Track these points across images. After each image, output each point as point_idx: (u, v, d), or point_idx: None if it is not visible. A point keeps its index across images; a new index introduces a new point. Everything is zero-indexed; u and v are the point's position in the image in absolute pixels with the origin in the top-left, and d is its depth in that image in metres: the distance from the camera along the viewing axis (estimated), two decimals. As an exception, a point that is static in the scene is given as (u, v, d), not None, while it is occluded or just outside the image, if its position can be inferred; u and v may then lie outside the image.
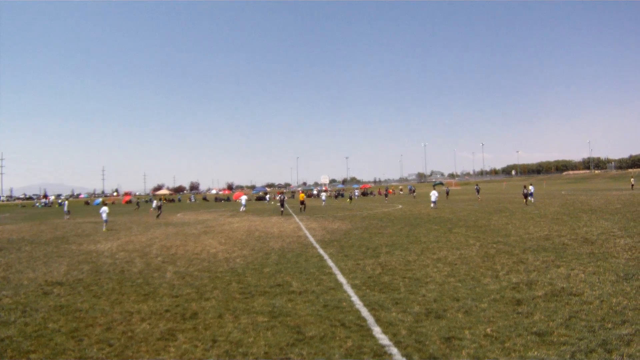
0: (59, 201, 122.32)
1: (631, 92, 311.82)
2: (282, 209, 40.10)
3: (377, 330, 6.86)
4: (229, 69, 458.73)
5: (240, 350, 6.25)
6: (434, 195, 39.30)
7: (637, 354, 5.65)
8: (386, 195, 71.41)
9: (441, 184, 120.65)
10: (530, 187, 41.03)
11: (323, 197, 60.89)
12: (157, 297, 9.49)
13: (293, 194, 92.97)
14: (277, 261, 13.60)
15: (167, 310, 8.40)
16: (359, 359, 5.89)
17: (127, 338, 6.87)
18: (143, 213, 50.61)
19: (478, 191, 57.49)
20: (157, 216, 40.71)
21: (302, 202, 44.51)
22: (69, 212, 45.90)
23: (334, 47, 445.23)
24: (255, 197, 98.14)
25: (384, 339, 6.48)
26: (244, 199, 50.14)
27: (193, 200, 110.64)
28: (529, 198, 39.68)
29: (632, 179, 74.45)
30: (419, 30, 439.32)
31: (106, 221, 28.45)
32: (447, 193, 67.89)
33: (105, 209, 29.03)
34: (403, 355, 5.92)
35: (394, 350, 6.07)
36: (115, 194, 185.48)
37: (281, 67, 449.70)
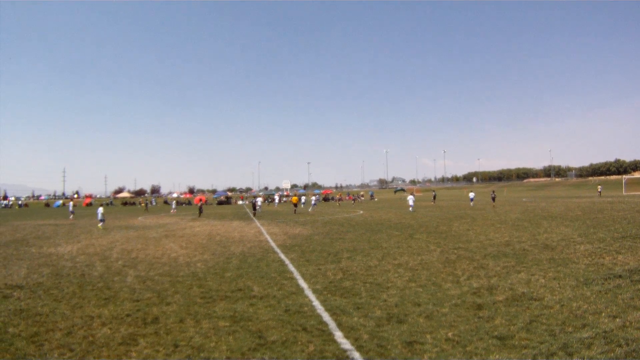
0: (19, 202, 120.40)
1: (592, 101, 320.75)
2: (254, 212, 42.84)
3: (338, 335, 6.93)
4: (190, 73, 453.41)
5: (202, 355, 6.30)
6: (411, 199, 42.12)
7: (598, 356, 5.85)
8: (354, 200, 75.55)
9: (402, 190, 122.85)
10: (471, 194, 52.27)
11: (313, 202, 55.27)
12: (118, 301, 9.46)
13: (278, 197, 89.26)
14: (238, 266, 13.63)
15: (128, 315, 8.40)
16: (320, 363, 6.02)
17: (88, 343, 6.86)
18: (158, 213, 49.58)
19: (434, 197, 61.74)
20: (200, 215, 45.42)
21: (295, 205, 47.58)
22: (73, 212, 47.16)
23: (295, 53, 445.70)
24: (216, 202, 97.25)
25: (345, 344, 6.55)
26: (259, 200, 56.72)
27: (154, 203, 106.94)
28: (471, 203, 49.22)
29: (599, 187, 78.60)
30: (380, 36, 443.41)
31: (102, 220, 31.22)
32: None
33: (101, 209, 32.06)
34: (365, 360, 6.05)
35: (356, 355, 6.15)
36: (75, 196, 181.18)
37: (242, 72, 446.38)
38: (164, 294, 10.11)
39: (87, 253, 17.33)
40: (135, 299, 9.64)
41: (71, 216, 45.62)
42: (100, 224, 31.10)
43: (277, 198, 77.61)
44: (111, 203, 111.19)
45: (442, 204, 55.21)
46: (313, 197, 60.15)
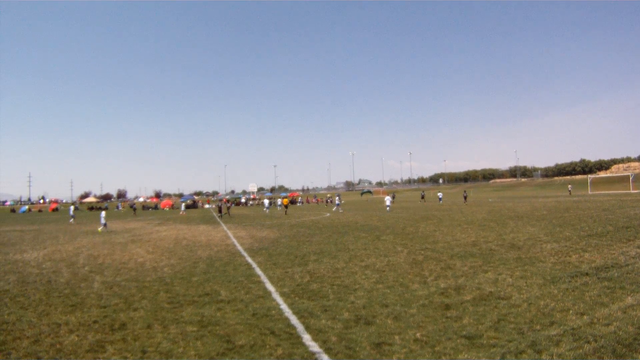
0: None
1: (557, 101, 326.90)
2: (220, 214, 46.79)
3: (307, 338, 6.97)
4: (153, 77, 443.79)
5: (170, 360, 6.35)
6: (388, 200, 44.72)
7: (567, 353, 5.95)
8: (326, 202, 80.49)
9: (369, 192, 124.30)
10: (439, 194, 59.43)
11: (337, 202, 54.06)
12: (85, 308, 9.40)
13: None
14: (205, 270, 13.61)
15: (95, 321, 8.37)
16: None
17: (56, 350, 6.85)
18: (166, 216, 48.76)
19: (423, 197, 72.99)
20: (229, 214, 48.84)
21: (286, 206, 51.37)
22: (74, 216, 46.86)
23: (259, 55, 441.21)
24: (184, 205, 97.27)
25: (314, 346, 6.60)
26: (266, 202, 60.96)
27: (120, 208, 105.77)
28: (440, 202, 55.76)
29: (569, 186, 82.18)
30: (344, 38, 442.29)
31: (105, 224, 32.07)
32: (393, 197, 74.85)
33: (103, 213, 33.63)
34: (333, 362, 6.10)
35: (325, 357, 6.20)
36: (41, 201, 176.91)
37: (207, 74, 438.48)
38: (131, 299, 10.07)
39: (53, 259, 17.07)
40: (102, 305, 9.59)
41: (71, 220, 45.46)
42: (101, 227, 31.84)
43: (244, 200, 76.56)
44: (77, 208, 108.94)
45: (409, 205, 56.05)
46: (338, 198, 58.41)
